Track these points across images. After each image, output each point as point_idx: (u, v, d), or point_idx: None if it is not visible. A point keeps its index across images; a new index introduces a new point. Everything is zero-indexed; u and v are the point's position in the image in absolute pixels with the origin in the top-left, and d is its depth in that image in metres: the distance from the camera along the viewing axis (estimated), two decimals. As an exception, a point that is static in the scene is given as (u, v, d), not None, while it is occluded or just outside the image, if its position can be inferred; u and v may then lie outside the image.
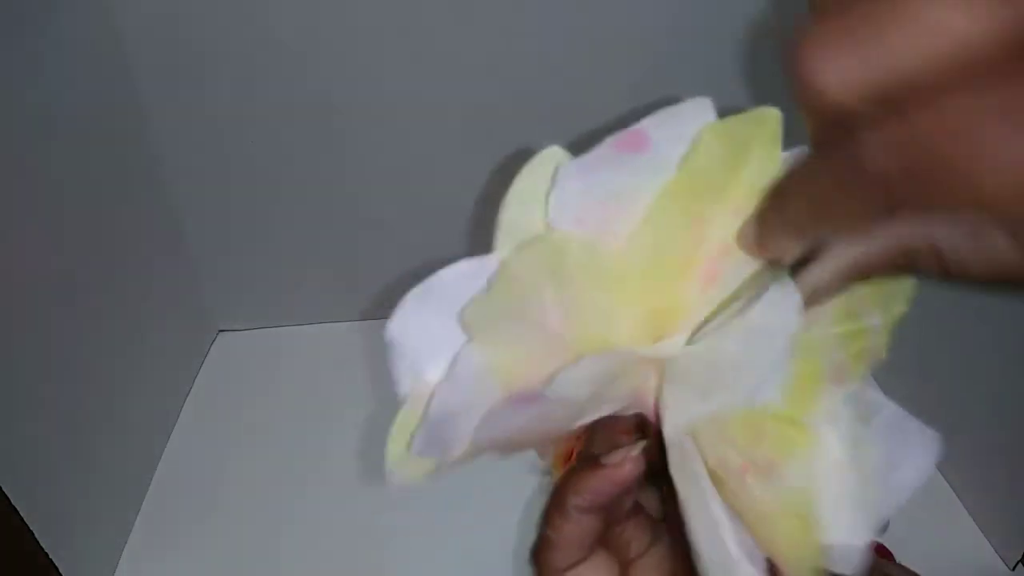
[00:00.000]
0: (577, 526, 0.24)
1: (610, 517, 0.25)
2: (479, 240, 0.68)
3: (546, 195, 0.22)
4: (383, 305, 0.65)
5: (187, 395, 0.59)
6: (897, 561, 0.46)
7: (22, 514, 0.38)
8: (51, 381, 0.42)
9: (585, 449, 0.26)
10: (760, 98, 0.21)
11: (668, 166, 0.21)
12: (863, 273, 0.19)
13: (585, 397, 0.22)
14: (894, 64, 0.13)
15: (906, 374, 0.56)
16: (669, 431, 0.23)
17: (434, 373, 0.23)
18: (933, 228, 0.17)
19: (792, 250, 0.19)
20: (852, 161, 0.15)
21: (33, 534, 0.39)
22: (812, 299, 0.20)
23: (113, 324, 0.48)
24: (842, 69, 0.14)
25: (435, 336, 0.23)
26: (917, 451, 0.22)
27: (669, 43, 0.52)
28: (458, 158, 0.57)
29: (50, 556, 0.40)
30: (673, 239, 0.21)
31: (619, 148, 0.21)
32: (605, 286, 0.21)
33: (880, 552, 0.48)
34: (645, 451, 0.24)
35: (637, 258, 0.21)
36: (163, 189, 0.55)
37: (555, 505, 0.25)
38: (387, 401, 0.53)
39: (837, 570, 0.21)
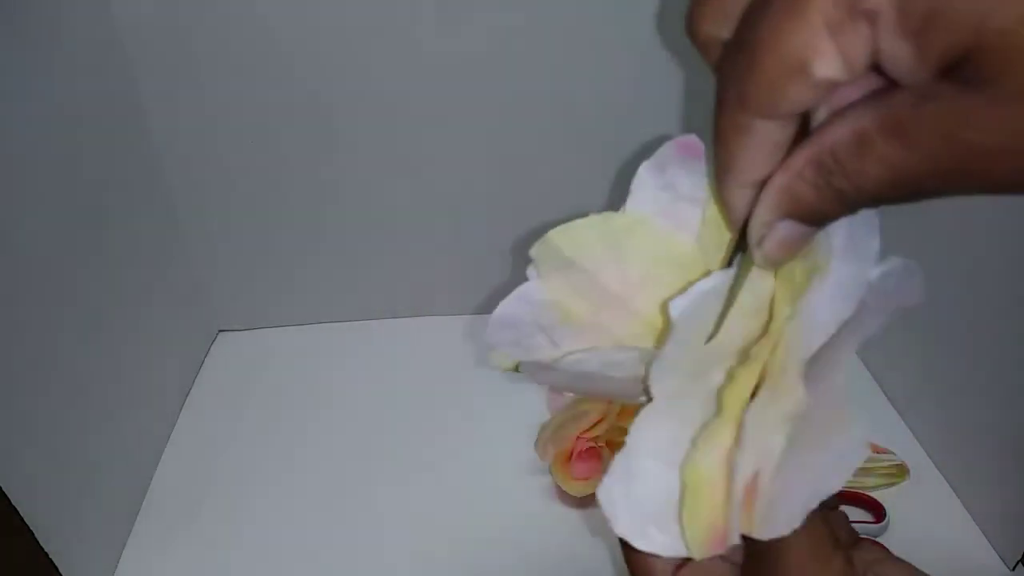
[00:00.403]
0: None
1: None
2: (479, 240, 0.69)
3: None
4: (383, 305, 0.66)
5: (187, 396, 0.59)
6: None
7: (22, 515, 0.38)
8: (50, 382, 0.42)
9: None
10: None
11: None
12: (800, 208, 0.19)
13: (593, 376, 0.24)
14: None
15: (907, 373, 0.57)
16: None
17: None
18: (823, 141, 0.18)
19: (743, 199, 0.20)
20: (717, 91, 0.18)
21: (34, 534, 0.39)
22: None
23: (111, 324, 0.48)
24: (700, 16, 0.19)
25: None
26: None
27: (670, 44, 0.52)
28: (458, 157, 0.57)
29: (50, 556, 0.40)
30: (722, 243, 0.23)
31: (680, 152, 0.24)
32: (667, 269, 0.24)
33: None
34: None
35: (699, 255, 0.24)
36: (162, 188, 0.55)
37: None
38: (387, 402, 0.54)
39: None
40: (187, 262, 0.59)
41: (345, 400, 0.59)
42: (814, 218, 0.19)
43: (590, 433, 0.49)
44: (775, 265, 0.21)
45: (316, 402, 0.59)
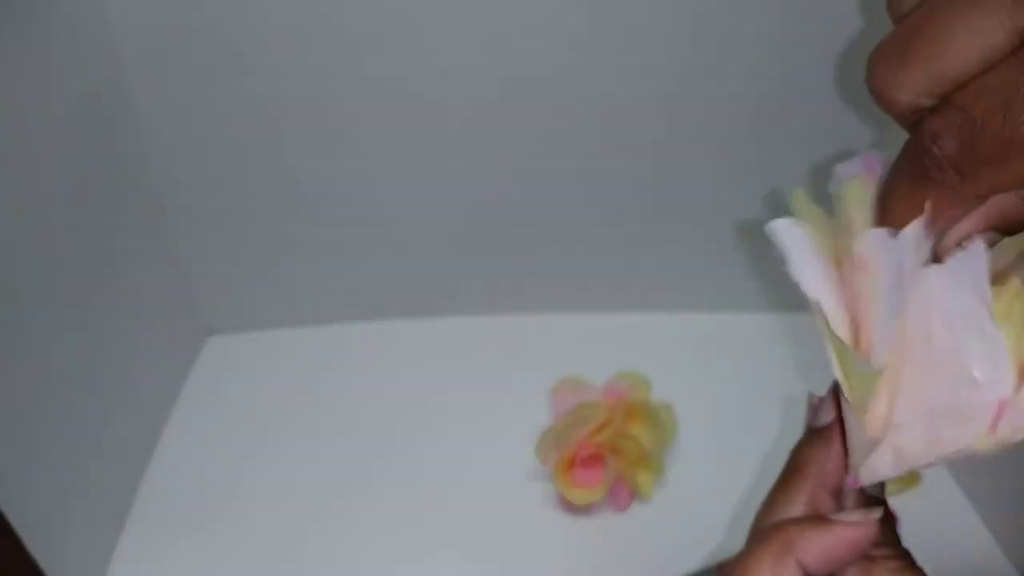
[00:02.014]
0: None
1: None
2: (478, 240, 0.68)
3: None
4: (380, 307, 0.65)
5: (176, 401, 0.59)
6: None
7: (10, 521, 0.37)
8: (36, 386, 0.41)
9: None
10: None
11: None
12: (1005, 222, 0.20)
13: None
14: (943, 68, 0.17)
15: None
16: None
17: None
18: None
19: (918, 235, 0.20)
20: (924, 154, 0.18)
21: (21, 541, 0.38)
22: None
23: (99, 326, 0.48)
24: (905, 80, 0.18)
25: None
26: None
27: (684, 39, 0.52)
28: (456, 157, 0.56)
29: (37, 562, 0.39)
30: None
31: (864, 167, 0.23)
32: None
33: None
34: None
35: None
36: (152, 187, 0.55)
37: (775, 553, 0.23)
38: (383, 406, 0.52)
39: None
40: (177, 263, 0.59)
41: (340, 404, 0.58)
42: (1013, 229, 0.20)
43: (593, 439, 0.48)
44: None
45: (309, 406, 0.58)
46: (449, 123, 0.55)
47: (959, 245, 0.20)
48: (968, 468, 0.51)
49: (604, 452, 0.48)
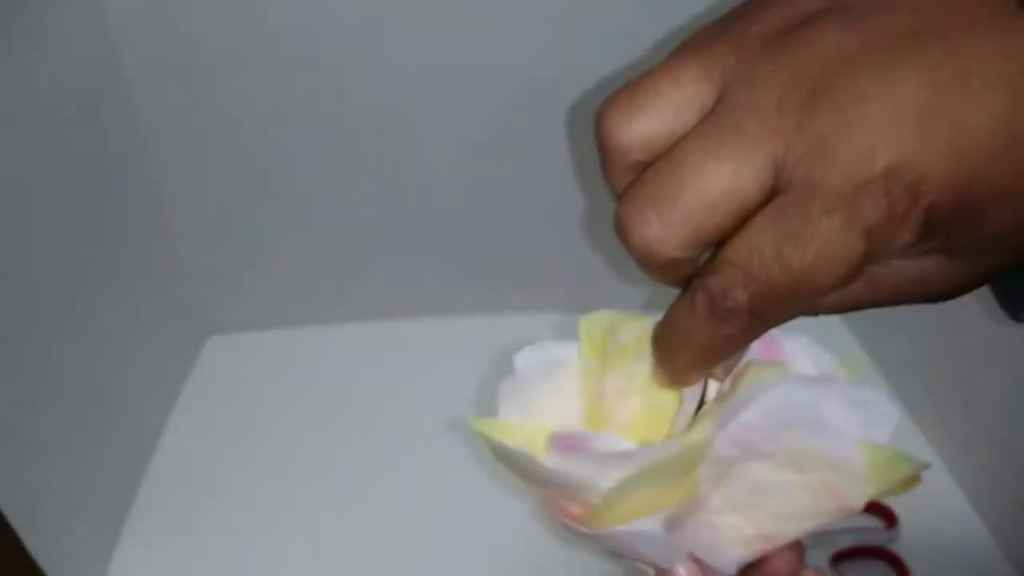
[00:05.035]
0: None
1: None
2: (478, 241, 0.68)
3: None
4: (380, 307, 0.65)
5: (176, 402, 0.58)
6: (906, 563, 0.46)
7: (9, 521, 0.37)
8: (36, 386, 0.41)
9: None
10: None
11: None
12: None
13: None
14: (692, 219, 0.18)
15: (919, 376, 0.56)
16: None
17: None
18: None
19: (704, 377, 0.22)
20: (708, 305, 0.19)
21: (21, 542, 0.38)
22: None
23: (97, 327, 0.47)
24: (656, 235, 0.19)
25: None
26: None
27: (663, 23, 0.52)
28: (455, 157, 0.56)
29: (38, 562, 0.39)
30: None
31: None
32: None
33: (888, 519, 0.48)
34: None
35: None
36: (151, 187, 0.55)
37: None
38: (383, 407, 0.52)
39: None
40: (176, 263, 0.59)
41: (339, 404, 0.58)
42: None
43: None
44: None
45: (309, 406, 0.58)
46: (448, 123, 0.54)
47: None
48: (968, 468, 0.51)
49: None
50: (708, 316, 0.19)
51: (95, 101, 0.47)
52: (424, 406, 0.57)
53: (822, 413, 0.20)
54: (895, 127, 0.17)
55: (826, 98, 0.17)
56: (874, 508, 0.49)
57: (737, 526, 0.22)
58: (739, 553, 0.22)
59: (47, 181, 0.42)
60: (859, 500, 0.21)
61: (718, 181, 0.18)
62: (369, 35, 0.50)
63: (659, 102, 0.20)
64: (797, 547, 0.22)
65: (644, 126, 0.20)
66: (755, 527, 0.22)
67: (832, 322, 0.61)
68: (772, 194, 0.18)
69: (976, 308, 0.48)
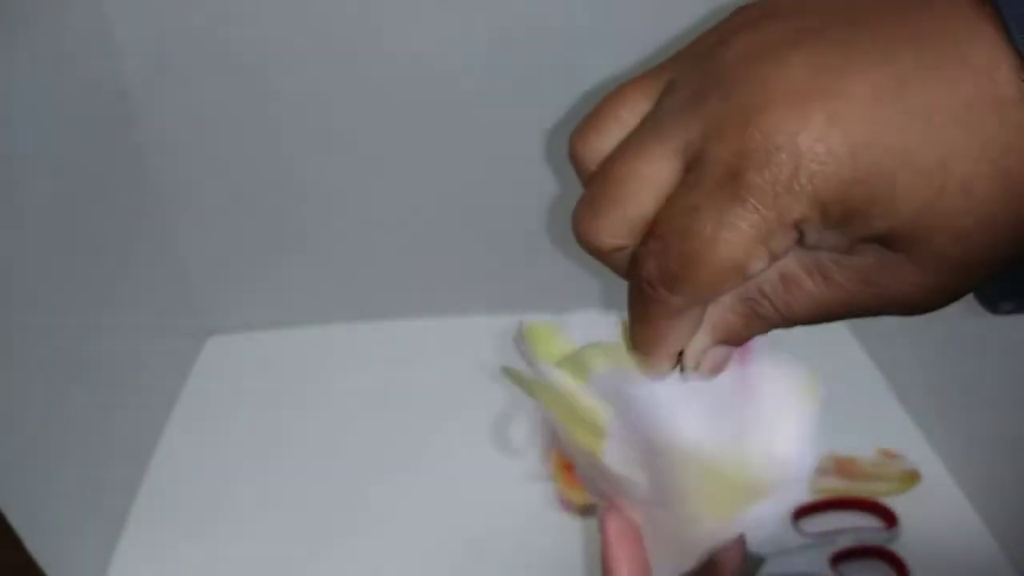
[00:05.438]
0: None
1: None
2: (477, 241, 0.68)
3: None
4: (378, 307, 0.65)
5: (175, 402, 0.58)
6: (906, 563, 0.46)
7: (10, 521, 0.37)
8: (36, 387, 0.41)
9: None
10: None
11: None
12: (731, 335, 0.23)
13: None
14: (628, 211, 0.21)
15: (919, 376, 0.56)
16: None
17: None
18: (754, 285, 0.21)
19: (669, 361, 0.23)
20: (635, 278, 0.21)
21: (22, 541, 0.38)
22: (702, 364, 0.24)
23: (97, 327, 0.47)
24: (600, 229, 0.21)
25: None
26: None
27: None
28: (454, 157, 0.56)
29: (38, 564, 0.39)
30: None
31: None
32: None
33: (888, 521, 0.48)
34: None
35: None
36: (152, 187, 0.55)
37: None
38: (383, 407, 0.52)
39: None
40: (177, 263, 0.59)
41: (339, 404, 0.58)
42: (739, 341, 0.23)
43: (593, 438, 0.48)
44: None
45: (308, 406, 0.58)
46: (449, 124, 0.54)
47: (696, 365, 0.23)
48: (968, 468, 0.51)
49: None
50: (636, 290, 0.21)
51: (96, 101, 0.47)
52: (424, 406, 0.57)
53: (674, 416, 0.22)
54: (781, 104, 0.18)
55: (724, 87, 0.19)
56: (874, 508, 0.49)
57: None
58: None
59: (48, 181, 0.42)
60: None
61: (634, 173, 0.21)
62: (369, 36, 0.50)
63: (610, 121, 0.22)
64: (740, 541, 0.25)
65: (598, 142, 0.22)
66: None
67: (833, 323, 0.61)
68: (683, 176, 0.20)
69: (976, 309, 0.48)
